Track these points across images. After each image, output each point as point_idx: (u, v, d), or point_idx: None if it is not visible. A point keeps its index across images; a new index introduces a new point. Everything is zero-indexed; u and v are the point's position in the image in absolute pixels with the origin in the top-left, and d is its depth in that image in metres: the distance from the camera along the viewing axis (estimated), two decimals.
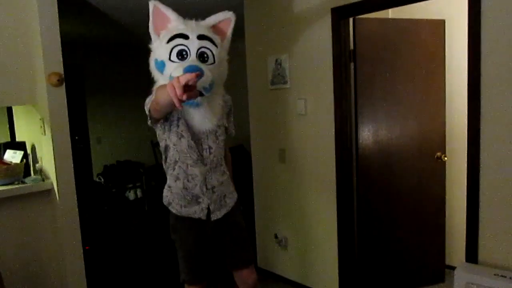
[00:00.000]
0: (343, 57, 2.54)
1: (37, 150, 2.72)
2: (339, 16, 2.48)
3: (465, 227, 2.09)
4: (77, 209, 2.58)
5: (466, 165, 2.05)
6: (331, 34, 2.52)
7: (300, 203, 2.93)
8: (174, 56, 1.62)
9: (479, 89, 1.92)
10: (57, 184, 2.49)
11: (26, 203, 2.49)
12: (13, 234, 2.44)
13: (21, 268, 2.45)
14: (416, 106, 2.76)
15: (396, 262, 2.84)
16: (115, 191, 4.92)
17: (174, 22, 1.69)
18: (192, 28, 1.65)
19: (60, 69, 2.48)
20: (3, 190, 2.38)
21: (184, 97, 1.19)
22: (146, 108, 1.71)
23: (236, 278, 2.01)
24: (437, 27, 2.73)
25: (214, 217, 1.85)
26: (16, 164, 2.56)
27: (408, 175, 2.80)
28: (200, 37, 1.63)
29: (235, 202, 1.96)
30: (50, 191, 2.55)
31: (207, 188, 1.80)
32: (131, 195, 5.05)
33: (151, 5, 1.71)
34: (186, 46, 1.61)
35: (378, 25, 2.65)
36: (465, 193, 2.07)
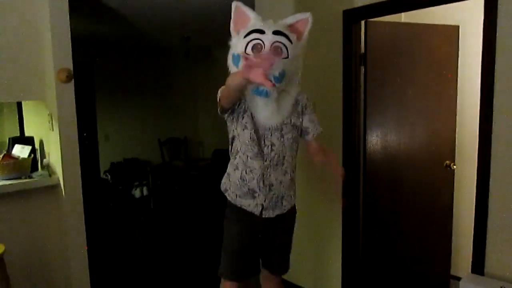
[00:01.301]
0: (354, 61, 2.51)
1: (45, 145, 2.74)
2: (351, 19, 2.46)
3: (472, 237, 2.05)
4: (82, 205, 2.59)
5: (475, 173, 2.02)
6: (341, 37, 2.50)
7: (306, 208, 2.90)
8: (249, 49, 1.67)
9: (492, 96, 1.89)
10: (63, 180, 2.50)
11: (33, 198, 2.51)
12: (19, 228, 2.46)
13: (26, 261, 2.47)
14: (426, 112, 2.72)
15: (401, 269, 2.80)
16: (121, 189, 4.94)
17: (253, 20, 1.76)
18: (269, 25, 1.71)
19: (69, 65, 2.49)
20: (11, 184, 2.40)
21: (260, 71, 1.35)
22: (218, 97, 1.76)
23: (263, 277, 2.05)
24: (451, 33, 2.69)
25: (265, 214, 1.83)
26: (23, 159, 2.58)
27: (416, 182, 2.76)
28: (276, 32, 1.68)
29: (292, 207, 1.93)
30: (56, 186, 2.56)
31: (264, 184, 1.78)
32: (137, 193, 5.07)
33: (233, 5, 1.80)
34: (261, 40, 1.66)
35: (390, 29, 2.62)
36: (473, 202, 2.03)
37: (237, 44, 1.72)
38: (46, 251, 2.58)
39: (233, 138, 1.84)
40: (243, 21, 1.77)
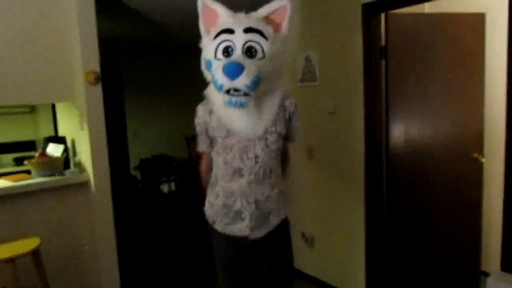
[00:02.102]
0: (374, 54, 2.48)
1: (76, 144, 2.88)
2: (370, 11, 2.42)
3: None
4: (111, 201, 2.70)
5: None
6: (361, 30, 2.47)
7: (328, 202, 2.91)
8: (220, 54, 1.48)
9: None
10: (93, 177, 2.62)
11: (65, 194, 2.64)
12: (53, 222, 2.60)
13: (59, 253, 2.61)
14: (452, 104, 2.64)
15: (427, 265, 2.75)
16: (149, 184, 5.09)
17: (223, 17, 1.56)
18: (240, 21, 1.50)
19: (96, 68, 2.60)
20: (45, 181, 2.54)
21: None
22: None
23: None
24: (476, 21, 2.59)
25: (252, 236, 1.63)
26: (57, 157, 2.72)
27: (442, 176, 2.69)
28: (247, 30, 1.46)
29: (282, 221, 1.70)
30: (87, 183, 2.69)
31: (248, 203, 1.59)
32: (164, 188, 5.21)
33: (199, 2, 1.60)
34: (232, 41, 1.47)
35: (412, 20, 2.55)
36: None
37: (207, 47, 1.53)
38: (77, 244, 2.72)
39: (211, 168, 1.70)
40: (212, 19, 1.57)
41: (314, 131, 2.92)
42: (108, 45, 3.40)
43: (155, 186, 5.14)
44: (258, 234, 1.64)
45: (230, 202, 1.61)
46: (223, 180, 1.62)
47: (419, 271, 2.74)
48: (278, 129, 1.59)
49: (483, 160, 2.72)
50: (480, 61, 2.63)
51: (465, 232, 2.79)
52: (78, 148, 2.85)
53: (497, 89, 2.69)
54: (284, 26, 1.58)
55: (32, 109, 4.13)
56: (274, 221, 1.67)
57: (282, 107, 1.60)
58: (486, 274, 2.78)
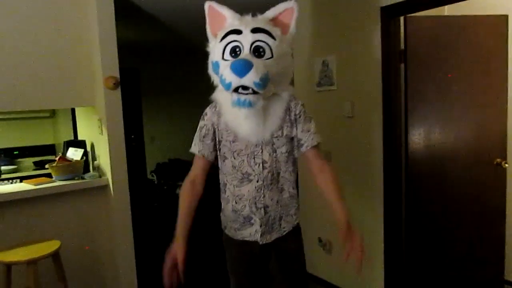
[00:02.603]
0: (393, 57, 2.45)
1: (95, 148, 2.92)
2: (389, 15, 2.40)
3: None
4: (129, 205, 2.73)
5: None
6: (380, 34, 2.44)
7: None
8: (227, 54, 1.47)
9: None
10: (112, 181, 2.66)
11: (85, 197, 2.68)
12: (72, 225, 2.64)
13: (78, 256, 2.64)
14: (473, 108, 2.59)
15: (448, 273, 2.69)
16: (166, 188, 5.12)
17: (230, 20, 1.55)
18: (247, 22, 1.49)
19: (116, 73, 2.64)
20: (65, 185, 2.58)
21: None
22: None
23: None
24: (498, 23, 2.54)
25: (262, 240, 1.61)
26: (76, 161, 2.77)
27: (463, 182, 2.63)
28: (255, 30, 1.45)
29: (294, 228, 1.67)
30: (106, 187, 2.72)
31: (257, 208, 1.57)
32: None
33: (206, 6, 1.61)
34: (239, 42, 1.45)
35: (432, 23, 2.52)
36: None
37: (215, 49, 1.52)
38: (96, 247, 2.75)
39: (220, 172, 1.67)
40: (220, 22, 1.57)
41: (331, 135, 2.90)
42: (126, 52, 3.46)
43: (171, 191, 5.17)
44: (268, 239, 1.62)
45: (239, 207, 1.60)
46: (231, 184, 1.61)
47: (439, 279, 2.67)
48: (285, 132, 1.56)
49: (507, 165, 2.65)
50: (503, 64, 2.58)
51: (488, 239, 2.72)
52: (97, 152, 2.89)
53: None
54: (291, 28, 1.56)
55: (52, 113, 4.21)
56: (285, 226, 1.65)
57: (287, 109, 1.56)
58: (511, 284, 2.71)
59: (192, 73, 6.17)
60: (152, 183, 5.43)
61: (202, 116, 1.64)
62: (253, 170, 1.56)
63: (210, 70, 1.57)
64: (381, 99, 2.50)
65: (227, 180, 1.63)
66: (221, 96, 1.54)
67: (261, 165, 1.55)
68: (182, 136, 5.96)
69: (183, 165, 5.46)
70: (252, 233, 1.61)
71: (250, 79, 1.35)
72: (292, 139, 1.59)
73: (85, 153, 2.90)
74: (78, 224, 2.66)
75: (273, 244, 1.63)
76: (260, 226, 1.59)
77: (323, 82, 2.88)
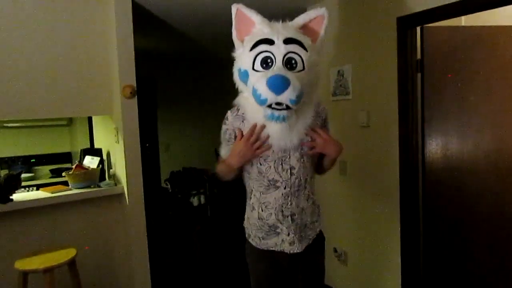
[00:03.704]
0: (409, 67, 2.43)
1: (111, 156, 2.95)
2: (406, 25, 2.39)
3: None
4: (144, 213, 2.75)
5: None
6: (396, 44, 2.43)
7: (362, 218, 2.84)
8: (258, 65, 1.42)
9: None
10: (127, 189, 2.68)
11: (101, 205, 2.71)
12: (88, 233, 2.66)
13: (94, 264, 2.66)
14: (492, 118, 2.54)
15: (466, 286, 2.61)
16: (180, 197, 5.14)
17: (259, 26, 1.48)
18: (278, 31, 1.43)
19: (133, 82, 2.68)
20: (81, 192, 2.61)
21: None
22: (217, 172, 1.64)
23: None
24: None
25: (293, 250, 1.57)
26: (93, 169, 2.80)
27: (481, 193, 2.57)
28: (287, 41, 1.41)
29: (317, 235, 1.66)
30: (121, 195, 2.74)
31: (283, 216, 1.54)
32: (195, 201, 5.24)
33: (233, 9, 1.53)
34: (271, 53, 1.41)
35: (449, 33, 2.49)
36: None
37: (243, 57, 1.47)
38: (112, 255, 2.77)
39: (244, 178, 1.65)
40: (247, 27, 1.51)
41: (347, 145, 2.84)
42: (143, 61, 3.51)
43: (185, 199, 5.18)
44: (298, 249, 1.58)
45: (265, 215, 1.56)
46: (258, 191, 1.57)
47: None
48: (314, 137, 1.55)
49: None
50: None
51: (509, 252, 2.64)
52: (113, 161, 2.92)
53: None
54: (321, 36, 1.54)
55: (69, 121, 4.28)
56: (312, 234, 1.63)
57: (316, 115, 1.56)
58: None
59: (208, 82, 6.24)
60: (167, 191, 5.46)
61: (224, 120, 1.62)
62: (281, 177, 1.53)
63: (236, 77, 1.54)
64: (397, 109, 2.48)
65: (253, 187, 1.59)
66: (246, 103, 1.52)
67: (289, 171, 1.53)
68: (197, 144, 6.02)
69: (197, 173, 5.49)
70: (278, 242, 1.57)
71: (287, 97, 1.34)
72: None
73: (101, 161, 2.94)
74: (94, 232, 2.69)
75: (302, 254, 1.60)
76: (288, 235, 1.56)
77: (338, 91, 2.87)
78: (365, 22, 2.66)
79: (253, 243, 1.64)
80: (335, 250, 3.01)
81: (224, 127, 1.61)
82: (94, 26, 2.66)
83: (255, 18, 1.50)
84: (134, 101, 2.69)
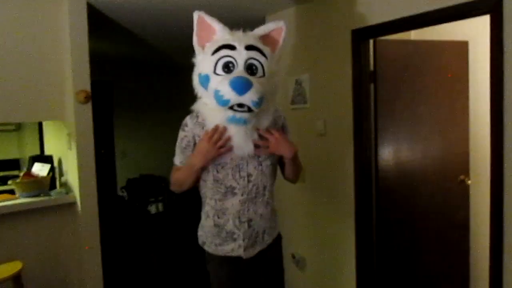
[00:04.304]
0: (363, 78, 2.53)
1: (63, 163, 2.83)
2: (360, 37, 2.49)
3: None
4: (98, 223, 2.64)
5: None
6: (351, 55, 2.53)
7: (319, 224, 2.90)
8: (219, 69, 1.45)
9: (501, 115, 1.88)
10: (80, 198, 2.57)
11: (51, 215, 2.58)
12: (37, 245, 2.52)
13: (43, 278, 2.52)
14: (439, 128, 2.70)
15: (417, 286, 2.74)
16: (137, 205, 5.01)
17: (220, 33, 1.52)
18: (240, 38, 1.49)
19: (87, 87, 2.59)
20: (30, 202, 2.47)
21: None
22: (171, 182, 1.64)
23: None
24: (460, 49, 2.70)
25: (246, 255, 1.60)
26: (42, 177, 2.67)
27: (430, 198, 2.73)
28: (249, 47, 1.46)
29: (274, 239, 1.70)
30: (73, 204, 2.63)
31: (240, 222, 1.57)
32: (152, 209, 5.13)
33: (195, 16, 1.56)
34: (233, 58, 1.45)
35: (399, 46, 2.64)
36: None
37: (204, 62, 1.49)
38: (62, 268, 2.63)
39: (199, 185, 1.66)
40: (208, 34, 1.55)
41: (305, 153, 2.91)
42: (99, 65, 3.40)
43: (143, 207, 5.06)
44: (252, 253, 1.62)
45: (222, 221, 1.58)
46: (213, 199, 1.59)
47: None
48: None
49: (469, 182, 2.77)
50: (465, 87, 2.72)
51: (454, 253, 2.81)
52: (65, 168, 2.80)
53: (481, 113, 2.77)
54: (279, 47, 1.61)
55: (18, 127, 4.06)
56: (268, 239, 1.67)
57: (273, 123, 1.59)
58: None
59: (166, 88, 6.15)
60: (123, 199, 5.30)
61: (182, 127, 1.61)
62: (238, 184, 1.55)
63: (196, 82, 1.55)
64: (352, 118, 2.57)
65: (208, 194, 1.61)
66: (206, 108, 1.53)
67: (246, 178, 1.56)
68: (154, 151, 5.90)
69: (155, 180, 5.37)
70: (235, 248, 1.59)
71: (249, 98, 1.38)
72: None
73: (52, 169, 2.80)
74: (43, 244, 2.55)
75: (257, 257, 1.64)
76: (243, 240, 1.58)
77: (296, 100, 2.93)
78: (322, 33, 2.75)
79: (209, 250, 1.65)
80: (293, 256, 3.05)
81: (182, 133, 1.60)
82: (47, 28, 2.55)
83: (216, 25, 1.54)
84: (89, 106, 2.60)
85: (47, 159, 2.87)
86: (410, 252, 2.72)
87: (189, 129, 1.59)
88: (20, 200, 2.49)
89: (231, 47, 1.45)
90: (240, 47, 1.45)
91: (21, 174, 2.70)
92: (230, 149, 1.51)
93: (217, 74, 1.46)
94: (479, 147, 2.81)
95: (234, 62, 1.45)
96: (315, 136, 2.82)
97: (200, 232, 1.70)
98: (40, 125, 3.45)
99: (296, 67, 2.94)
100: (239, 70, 1.44)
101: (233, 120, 1.44)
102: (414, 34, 2.89)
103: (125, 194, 5.27)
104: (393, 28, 2.35)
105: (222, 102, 1.40)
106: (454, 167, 2.76)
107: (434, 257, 2.75)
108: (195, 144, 1.57)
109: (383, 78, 2.58)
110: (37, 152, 3.55)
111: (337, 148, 2.71)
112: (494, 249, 1.98)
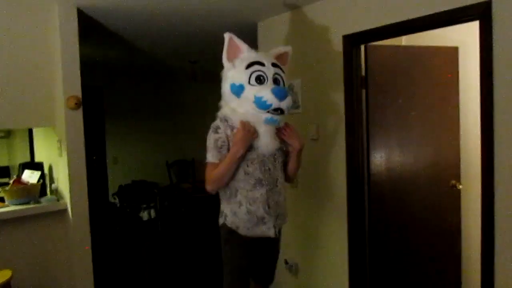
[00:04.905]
0: (355, 84, 2.55)
1: (54, 170, 2.80)
2: (351, 43, 2.51)
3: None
4: (89, 230, 2.62)
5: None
6: (342, 61, 2.54)
7: (312, 229, 2.90)
8: (253, 80, 1.82)
9: (491, 119, 1.90)
10: (71, 205, 2.54)
11: (41, 222, 2.55)
12: (27, 253, 2.49)
13: (33, 286, 2.48)
14: (430, 133, 2.72)
15: None
16: (129, 211, 4.97)
17: (246, 53, 1.89)
18: (265, 56, 1.90)
19: (78, 93, 2.57)
20: (19, 209, 2.44)
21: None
22: (210, 181, 1.87)
23: None
24: (451, 54, 2.72)
25: (273, 235, 1.95)
26: (32, 184, 2.63)
27: (422, 203, 2.73)
28: (274, 64, 1.88)
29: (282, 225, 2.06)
30: (64, 211, 2.60)
31: (269, 208, 1.90)
32: (144, 215, 5.09)
33: (226, 37, 1.90)
34: (264, 72, 1.83)
35: (390, 52, 2.66)
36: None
37: (238, 74, 1.84)
38: (53, 276, 2.60)
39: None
40: (235, 52, 1.90)
41: None
42: (90, 70, 3.38)
43: (134, 214, 5.01)
44: (276, 234, 1.96)
45: (254, 208, 1.88)
46: (244, 189, 1.88)
47: None
48: (283, 145, 1.98)
49: (460, 186, 2.79)
50: (455, 91, 2.74)
51: (446, 257, 2.82)
52: (55, 175, 2.77)
53: (472, 119, 2.80)
54: (286, 67, 2.02)
55: (7, 133, 4.00)
56: (281, 223, 2.02)
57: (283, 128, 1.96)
58: None
59: (158, 93, 6.13)
60: (114, 206, 5.25)
61: (214, 129, 1.90)
62: (264, 176, 1.89)
63: (227, 91, 1.88)
64: (344, 123, 2.58)
65: (239, 186, 1.89)
66: (234, 112, 1.87)
67: (268, 171, 1.90)
68: (147, 157, 5.87)
69: (148, 186, 5.34)
70: (265, 230, 1.92)
71: (286, 103, 1.81)
72: (283, 151, 2.00)
73: (42, 176, 2.77)
74: (33, 252, 2.51)
75: (275, 238, 1.97)
76: (273, 223, 1.92)
77: None
78: (314, 39, 2.76)
79: (242, 233, 1.92)
80: (286, 262, 3.04)
81: (216, 135, 1.89)
82: (37, 34, 2.54)
83: (243, 46, 1.91)
84: (79, 112, 2.58)
85: (38, 166, 2.84)
86: (402, 256, 2.73)
87: (222, 131, 1.88)
88: (9, 207, 2.46)
89: (261, 64, 1.84)
90: (268, 64, 1.86)
91: (11, 181, 2.66)
92: (257, 136, 1.85)
93: (251, 85, 1.82)
94: (470, 151, 2.83)
95: (265, 76, 1.83)
96: (307, 141, 2.82)
97: (233, 219, 1.92)
98: (30, 131, 3.40)
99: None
100: (269, 82, 1.83)
101: (270, 121, 1.83)
102: (405, 40, 2.92)
103: (116, 200, 5.23)
104: (384, 33, 2.37)
105: (265, 106, 1.78)
106: (446, 171, 2.78)
107: (427, 261, 2.76)
108: (229, 144, 1.86)
109: (375, 83, 2.59)
110: (27, 159, 3.50)
111: (329, 153, 2.72)
112: (485, 252, 1.99)
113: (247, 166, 1.87)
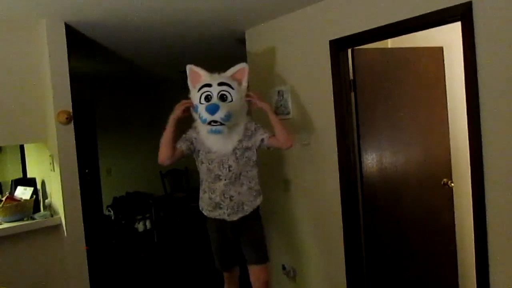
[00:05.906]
0: (343, 87, 2.58)
1: (46, 186, 2.78)
2: (338, 47, 2.54)
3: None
4: (84, 244, 2.60)
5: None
6: (330, 65, 2.58)
7: (307, 233, 2.91)
8: (203, 100, 2.24)
9: (478, 116, 1.93)
10: (65, 220, 2.53)
11: (35, 238, 2.53)
12: (22, 270, 2.47)
13: None
14: (419, 132, 2.76)
15: None
16: (124, 223, 4.93)
17: (203, 77, 2.32)
18: (215, 78, 2.27)
19: (68, 107, 2.57)
20: (13, 226, 2.43)
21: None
22: (159, 153, 2.37)
23: (250, 275, 2.37)
24: (436, 54, 2.77)
25: (230, 218, 2.32)
26: (25, 200, 2.61)
27: (415, 202, 2.76)
28: (220, 84, 2.24)
29: (254, 209, 2.36)
30: (58, 226, 2.58)
31: (225, 197, 2.30)
32: (140, 227, 5.06)
33: (188, 69, 2.40)
34: (210, 92, 2.23)
35: (377, 54, 2.70)
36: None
37: (195, 96, 2.29)
38: None
39: (199, 171, 2.41)
40: (197, 78, 2.36)
41: (289, 163, 2.96)
42: (80, 85, 3.38)
43: (130, 225, 4.98)
44: (234, 218, 2.32)
45: (213, 196, 2.33)
46: (207, 181, 2.35)
47: None
48: (244, 145, 2.31)
49: (453, 185, 2.82)
50: (442, 90, 2.78)
51: (441, 256, 2.84)
52: (48, 190, 2.75)
53: (460, 116, 2.83)
54: (244, 81, 2.32)
55: None
56: (248, 209, 2.34)
57: (245, 129, 2.32)
58: None
59: (148, 104, 6.12)
60: (109, 218, 5.21)
61: (186, 132, 2.38)
62: (222, 173, 2.30)
63: (192, 111, 2.33)
64: (334, 127, 2.61)
65: (203, 178, 2.37)
66: (200, 125, 2.31)
67: (227, 168, 2.29)
68: (140, 168, 5.84)
69: (142, 197, 5.31)
70: (221, 214, 2.33)
71: (218, 116, 2.15)
72: (250, 148, 2.32)
73: (35, 192, 2.75)
74: (29, 268, 2.49)
75: (240, 221, 2.32)
76: (227, 209, 2.31)
77: (279, 111, 2.95)
78: (301, 45, 2.79)
79: (205, 213, 2.40)
80: (284, 267, 3.05)
81: (186, 134, 2.38)
82: (25, 49, 2.54)
83: (201, 72, 2.37)
84: (71, 126, 2.58)
85: (30, 182, 2.82)
86: (398, 256, 2.74)
87: (190, 133, 2.38)
88: (2, 225, 2.44)
89: (209, 85, 2.25)
90: (214, 84, 2.24)
91: (3, 198, 2.64)
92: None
93: (202, 104, 2.23)
94: (460, 149, 2.86)
95: (211, 94, 2.24)
96: (299, 146, 2.84)
97: (200, 202, 2.43)
98: (21, 147, 3.38)
99: (277, 79, 2.97)
100: (214, 99, 2.22)
101: (211, 131, 2.23)
102: (391, 42, 2.96)
103: (111, 213, 5.19)
104: (370, 37, 2.41)
105: (203, 120, 2.21)
106: (437, 170, 2.81)
107: (422, 260, 2.78)
108: (192, 143, 2.34)
109: (363, 86, 2.63)
110: (19, 175, 3.47)
111: (321, 157, 2.74)
112: (479, 249, 2.02)
113: (209, 164, 2.31)
